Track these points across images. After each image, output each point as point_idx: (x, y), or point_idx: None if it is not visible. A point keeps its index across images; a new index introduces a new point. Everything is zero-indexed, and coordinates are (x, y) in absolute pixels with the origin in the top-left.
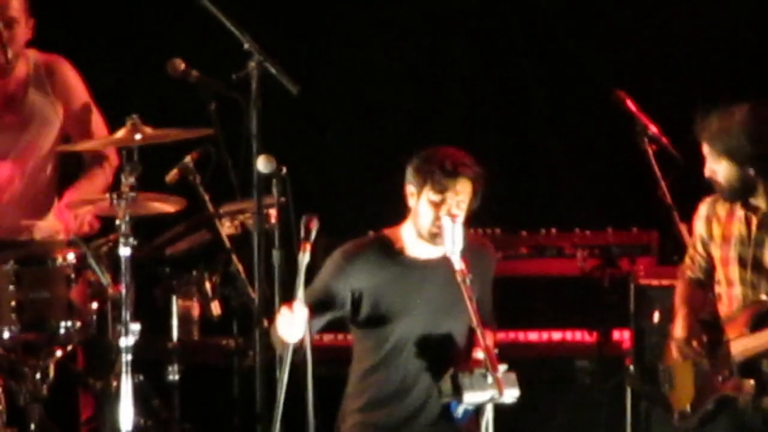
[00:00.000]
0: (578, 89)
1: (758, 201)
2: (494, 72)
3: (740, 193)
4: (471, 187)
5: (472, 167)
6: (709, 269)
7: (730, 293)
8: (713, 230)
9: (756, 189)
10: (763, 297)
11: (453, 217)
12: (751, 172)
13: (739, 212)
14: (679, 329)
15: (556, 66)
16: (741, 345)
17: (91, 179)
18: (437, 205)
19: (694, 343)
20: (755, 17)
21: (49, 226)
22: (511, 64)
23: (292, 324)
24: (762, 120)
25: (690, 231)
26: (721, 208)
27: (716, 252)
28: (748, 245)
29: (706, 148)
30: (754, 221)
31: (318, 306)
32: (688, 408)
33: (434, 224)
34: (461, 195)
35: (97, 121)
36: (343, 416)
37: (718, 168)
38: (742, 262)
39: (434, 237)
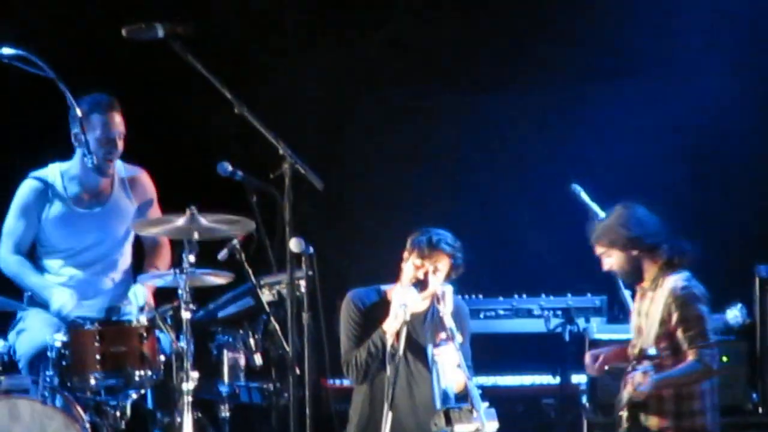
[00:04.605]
0: (544, 187)
1: (645, 280)
2: (477, 179)
3: (635, 275)
4: (447, 260)
5: (451, 245)
6: None
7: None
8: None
9: (645, 269)
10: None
11: (425, 281)
12: (635, 253)
13: (639, 291)
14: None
15: (526, 170)
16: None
17: (162, 260)
18: (417, 267)
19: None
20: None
21: (145, 293)
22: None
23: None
24: (631, 211)
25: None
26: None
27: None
28: (638, 315)
29: (598, 249)
30: (638, 297)
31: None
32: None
33: (410, 281)
34: (438, 264)
35: (158, 215)
36: None
37: (611, 260)
38: (635, 329)
39: (409, 287)
